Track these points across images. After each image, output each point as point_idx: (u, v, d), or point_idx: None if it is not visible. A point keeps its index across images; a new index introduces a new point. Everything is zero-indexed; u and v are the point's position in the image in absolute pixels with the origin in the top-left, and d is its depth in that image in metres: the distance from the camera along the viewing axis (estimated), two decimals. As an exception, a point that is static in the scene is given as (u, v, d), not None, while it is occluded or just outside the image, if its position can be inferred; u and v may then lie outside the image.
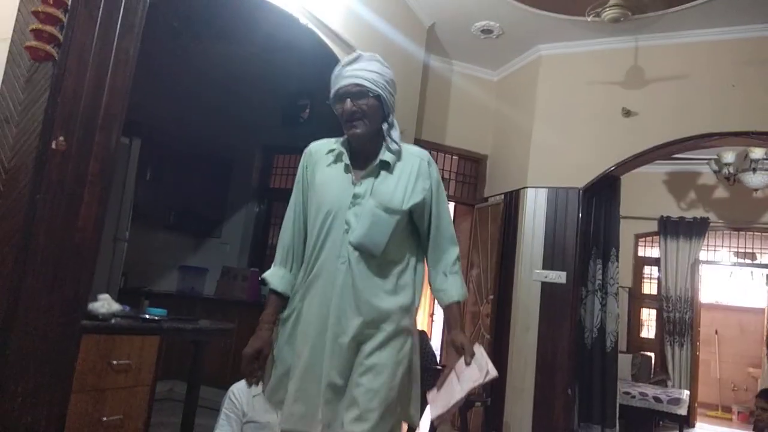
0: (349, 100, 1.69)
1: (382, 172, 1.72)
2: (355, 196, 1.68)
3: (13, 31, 2.11)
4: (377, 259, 1.67)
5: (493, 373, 1.58)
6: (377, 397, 1.58)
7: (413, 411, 1.75)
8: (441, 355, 5.83)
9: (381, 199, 1.68)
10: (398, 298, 1.69)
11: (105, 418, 2.38)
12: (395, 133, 1.76)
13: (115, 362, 2.41)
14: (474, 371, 1.61)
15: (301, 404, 1.62)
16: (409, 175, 1.74)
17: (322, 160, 1.77)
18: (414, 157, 1.78)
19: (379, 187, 1.70)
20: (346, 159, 1.73)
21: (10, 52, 2.10)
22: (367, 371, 1.60)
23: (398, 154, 1.75)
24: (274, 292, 1.75)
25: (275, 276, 1.76)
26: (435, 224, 1.80)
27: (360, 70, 1.71)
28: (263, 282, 1.79)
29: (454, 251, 1.84)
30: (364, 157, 1.74)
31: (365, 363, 1.61)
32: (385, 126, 1.76)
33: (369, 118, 1.70)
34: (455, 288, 1.79)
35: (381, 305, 1.66)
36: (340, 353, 1.62)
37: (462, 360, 1.67)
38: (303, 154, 1.83)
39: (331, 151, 1.76)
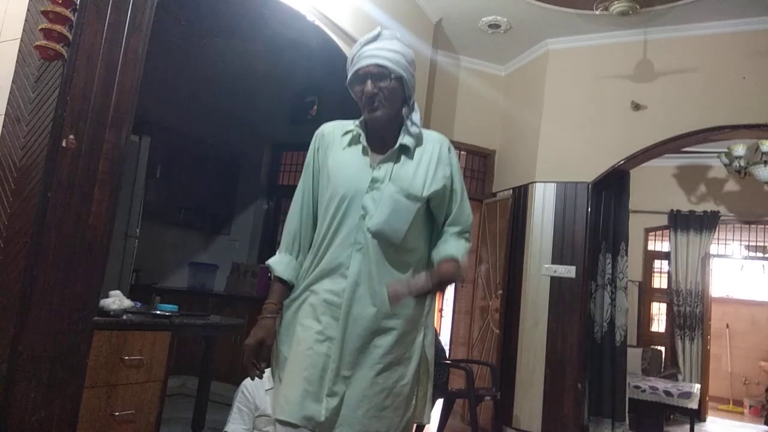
0: (369, 81, 1.60)
1: (402, 157, 1.63)
2: (374, 180, 1.59)
3: (23, 30, 2.14)
4: (395, 248, 1.59)
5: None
6: (392, 395, 1.53)
7: (425, 407, 1.66)
8: (450, 351, 5.84)
9: (402, 185, 1.59)
10: (419, 298, 1.60)
11: (117, 413, 2.41)
12: (416, 116, 1.67)
13: (126, 358, 2.44)
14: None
15: (299, 393, 1.50)
16: (429, 161, 1.65)
17: (336, 142, 1.68)
18: (434, 142, 1.69)
19: (399, 172, 1.61)
20: (363, 141, 1.65)
21: (20, 51, 2.12)
22: (382, 369, 1.53)
23: (418, 139, 1.66)
24: (278, 279, 1.66)
25: (280, 263, 1.67)
26: (456, 214, 1.70)
27: (381, 50, 1.61)
28: (268, 269, 1.71)
29: (466, 243, 1.72)
30: (382, 140, 1.65)
31: (379, 360, 1.53)
32: (405, 109, 1.67)
33: (390, 100, 1.61)
34: (455, 247, 1.65)
35: (404, 305, 1.57)
36: (351, 344, 1.53)
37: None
38: (314, 136, 1.73)
39: (348, 132, 1.67)
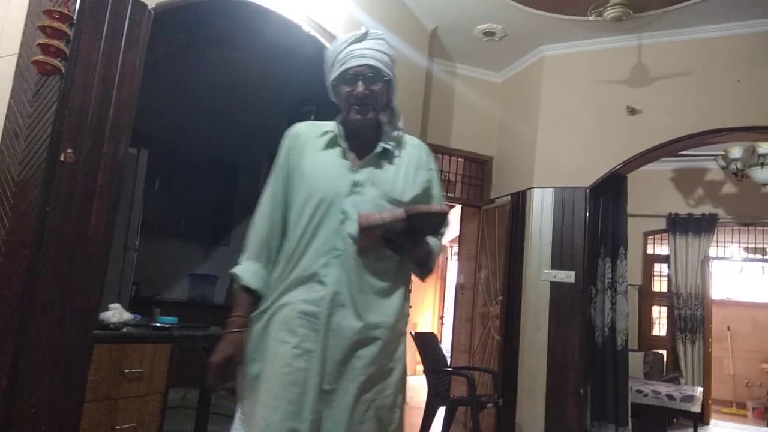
0: (361, 82, 1.54)
1: (382, 161, 1.58)
2: (355, 184, 1.52)
3: (21, 46, 2.15)
4: (374, 255, 1.51)
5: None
6: (373, 407, 1.46)
7: (400, 417, 1.58)
8: (451, 358, 5.82)
9: (383, 189, 1.54)
10: (394, 299, 1.55)
11: (118, 427, 2.40)
12: (398, 120, 1.64)
13: (127, 371, 2.44)
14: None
15: (281, 414, 1.37)
16: (408, 166, 1.61)
17: (312, 143, 1.58)
18: (413, 146, 1.66)
19: (380, 177, 1.55)
20: (343, 143, 1.58)
21: (17, 66, 2.13)
22: (365, 381, 1.45)
23: (399, 143, 1.62)
24: (246, 289, 1.53)
25: (248, 271, 1.54)
26: None
27: (371, 50, 1.57)
28: (233, 279, 1.56)
29: (440, 239, 1.67)
30: (361, 143, 1.59)
31: (362, 371, 1.45)
32: (387, 111, 1.63)
33: (379, 102, 1.58)
34: (431, 240, 1.60)
35: (378, 306, 1.50)
36: (332, 357, 1.43)
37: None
38: (287, 136, 1.62)
39: (325, 133, 1.59)
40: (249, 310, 1.51)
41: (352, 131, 1.60)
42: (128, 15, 2.36)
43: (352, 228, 1.46)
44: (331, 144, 1.58)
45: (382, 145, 1.58)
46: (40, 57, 2.11)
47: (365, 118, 1.56)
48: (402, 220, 1.43)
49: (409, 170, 1.61)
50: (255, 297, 1.53)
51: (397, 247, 1.50)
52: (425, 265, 1.63)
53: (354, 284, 1.47)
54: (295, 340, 1.43)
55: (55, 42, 2.14)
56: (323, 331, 1.43)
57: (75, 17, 2.19)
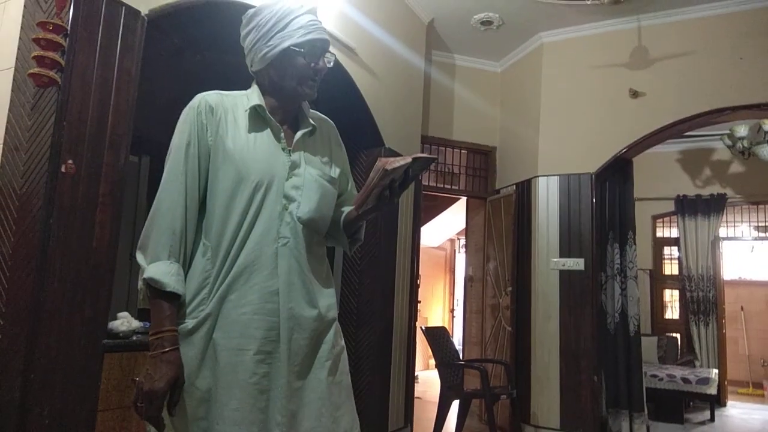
0: (324, 59, 1.44)
1: (308, 138, 1.47)
2: (293, 165, 1.39)
3: (16, 59, 2.15)
4: (316, 239, 1.44)
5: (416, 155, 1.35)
6: (343, 388, 1.42)
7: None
8: (463, 351, 5.82)
9: (318, 167, 1.44)
10: (330, 280, 1.49)
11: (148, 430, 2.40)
12: None
13: (138, 379, 2.44)
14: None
15: (256, 427, 1.27)
16: (329, 142, 1.54)
17: (229, 118, 1.39)
18: (326, 122, 1.57)
19: (311, 155, 1.45)
20: (273, 122, 1.42)
21: (14, 80, 2.13)
22: (331, 365, 1.39)
23: (315, 118, 1.52)
24: (166, 296, 1.27)
25: (168, 274, 1.27)
26: (350, 193, 1.60)
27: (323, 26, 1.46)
28: (147, 285, 1.28)
29: None
30: (288, 120, 1.47)
31: (327, 355, 1.38)
32: None
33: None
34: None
35: (325, 293, 1.43)
36: (298, 352, 1.33)
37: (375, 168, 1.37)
38: (192, 109, 1.39)
39: (253, 109, 1.40)
40: (175, 319, 1.28)
41: (283, 107, 1.45)
42: (122, 23, 2.35)
43: (301, 211, 1.37)
44: (258, 120, 1.41)
45: (311, 122, 1.48)
46: (36, 69, 2.11)
47: (312, 95, 1.44)
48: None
49: (331, 147, 1.55)
50: (177, 304, 1.29)
51: (385, 200, 1.40)
52: (359, 232, 1.59)
53: (305, 272, 1.37)
54: (255, 345, 1.29)
55: (50, 54, 2.13)
56: (286, 326, 1.31)
57: (69, 28, 2.19)
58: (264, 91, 1.45)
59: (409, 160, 1.31)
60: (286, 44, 1.38)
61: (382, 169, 1.32)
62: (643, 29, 4.66)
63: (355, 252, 4.10)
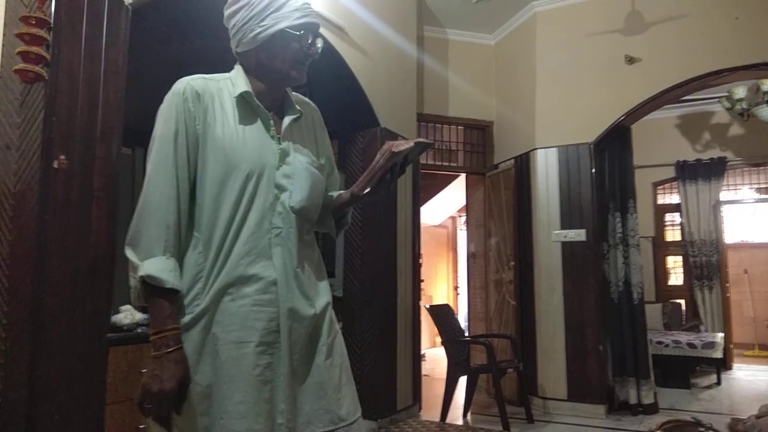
0: (320, 40, 1.42)
1: (295, 124, 1.44)
2: (283, 153, 1.36)
3: (1, 56, 2.11)
4: (307, 228, 1.42)
5: (420, 139, 1.36)
6: (344, 370, 1.41)
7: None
8: (468, 327, 5.84)
9: (306, 154, 1.42)
10: (323, 270, 1.47)
11: (142, 426, 2.42)
12: None
13: (145, 370, 2.45)
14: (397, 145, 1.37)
15: (262, 418, 1.25)
16: (315, 127, 1.52)
17: (216, 105, 1.34)
18: (309, 106, 1.53)
19: (299, 142, 1.42)
20: (262, 109, 1.37)
21: (0, 77, 2.10)
22: (328, 349, 1.38)
23: (298, 102, 1.48)
24: (165, 293, 1.23)
25: (165, 271, 1.23)
26: (334, 178, 1.59)
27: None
28: (143, 282, 1.23)
29: None
30: (275, 105, 1.43)
31: (325, 341, 1.38)
32: None
33: None
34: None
35: (319, 281, 1.42)
36: (299, 342, 1.32)
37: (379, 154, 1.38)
38: (177, 94, 1.32)
39: (240, 96, 1.35)
40: (176, 316, 1.25)
41: (271, 92, 1.41)
42: (106, 14, 2.31)
43: (294, 200, 1.34)
44: (246, 108, 1.36)
45: (298, 108, 1.44)
46: (22, 65, 2.08)
47: (303, 80, 1.40)
48: (382, 165, 1.36)
49: (316, 132, 1.52)
50: (176, 300, 1.26)
51: (385, 183, 1.40)
52: (346, 216, 1.59)
53: (298, 260, 1.34)
54: (256, 337, 1.27)
55: (34, 49, 2.10)
56: (285, 317, 1.29)
57: (52, 21, 2.15)
58: (249, 74, 1.40)
59: (411, 143, 1.33)
60: (281, 25, 1.33)
61: (389, 151, 1.33)
62: (636, -6, 4.59)
63: (357, 234, 4.09)
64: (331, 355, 1.38)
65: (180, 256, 1.29)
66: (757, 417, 2.92)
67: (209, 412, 1.25)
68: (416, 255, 4.61)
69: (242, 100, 1.36)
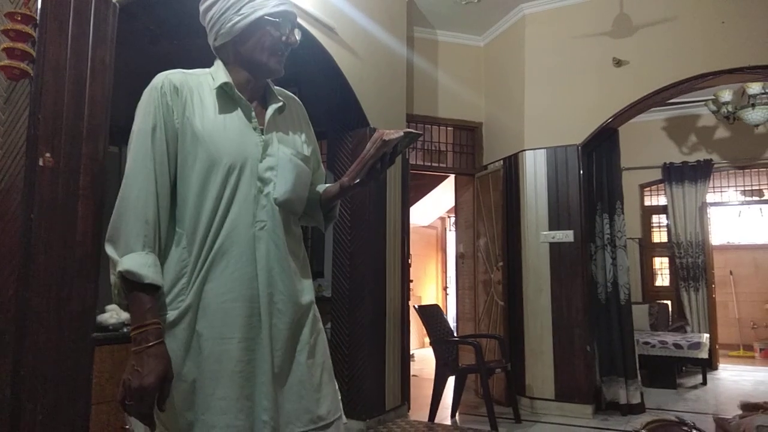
0: (298, 30, 1.41)
1: (278, 116, 1.42)
2: (266, 145, 1.35)
3: (-14, 52, 2.09)
4: (293, 221, 1.40)
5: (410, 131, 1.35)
6: (325, 369, 1.40)
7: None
8: (457, 327, 5.85)
9: (291, 146, 1.40)
10: (308, 266, 1.45)
11: (127, 426, 2.40)
12: None
13: (124, 376, 2.43)
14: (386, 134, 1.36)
15: (244, 413, 1.25)
16: (298, 119, 1.50)
17: (195, 98, 1.32)
18: (293, 99, 1.52)
19: (282, 133, 1.41)
20: (243, 100, 1.36)
21: (-15, 74, 2.08)
22: (310, 348, 1.37)
23: (281, 95, 1.47)
24: (146, 288, 1.20)
25: (145, 266, 1.20)
26: (320, 173, 1.58)
27: None
28: (123, 278, 1.20)
29: None
30: (256, 97, 1.42)
31: (308, 339, 1.37)
32: None
33: None
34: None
35: (303, 279, 1.40)
36: (280, 338, 1.31)
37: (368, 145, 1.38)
38: (155, 88, 1.30)
39: (220, 87, 1.34)
40: (157, 311, 1.22)
41: (252, 83, 1.39)
42: (93, 11, 2.30)
43: (278, 192, 1.32)
44: (227, 99, 1.35)
45: (281, 99, 1.43)
46: (7, 62, 2.06)
47: (281, 71, 1.40)
48: (372, 155, 1.35)
49: (300, 124, 1.50)
50: (156, 295, 1.23)
51: (375, 173, 1.40)
52: (335, 209, 1.59)
53: (283, 255, 1.33)
54: (240, 333, 1.26)
55: (20, 45, 2.08)
56: (267, 312, 1.28)
57: (38, 18, 2.13)
58: (229, 67, 1.38)
59: (401, 133, 1.33)
60: (259, 13, 1.32)
61: (380, 139, 1.32)
62: (624, -3, 4.63)
63: (346, 234, 4.09)
64: (313, 355, 1.37)
65: (162, 252, 1.28)
66: (741, 417, 2.96)
67: (193, 408, 1.24)
68: (405, 255, 4.62)
69: (222, 92, 1.34)
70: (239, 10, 1.32)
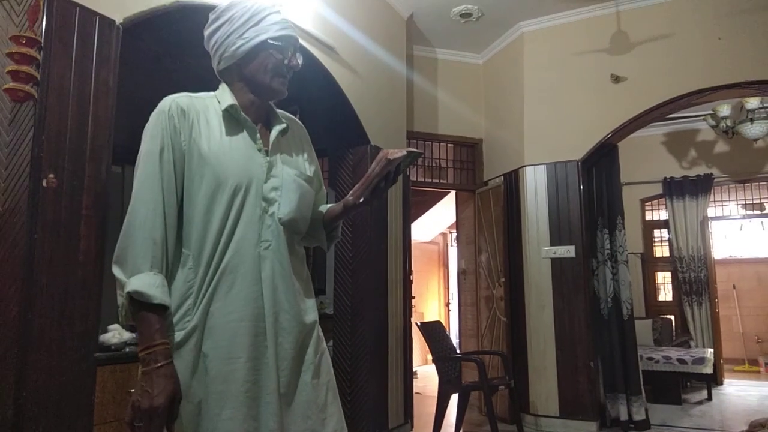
0: (300, 54, 1.45)
1: (282, 137, 1.46)
2: (271, 166, 1.37)
3: (-9, 75, 2.12)
4: (297, 241, 1.42)
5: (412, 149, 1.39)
6: (330, 389, 1.42)
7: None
8: (459, 344, 5.83)
9: (295, 167, 1.43)
10: (311, 286, 1.47)
11: (130, 447, 2.39)
12: None
13: (133, 390, 2.42)
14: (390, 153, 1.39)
15: None
16: (301, 141, 1.53)
17: (201, 120, 1.35)
18: (295, 122, 1.56)
19: (286, 154, 1.44)
20: (249, 122, 1.39)
21: (-10, 96, 2.10)
22: (315, 368, 1.38)
23: (284, 117, 1.51)
24: (154, 308, 1.22)
25: (153, 286, 1.21)
26: (322, 194, 1.61)
27: None
28: (131, 299, 1.21)
29: None
30: (260, 119, 1.45)
31: (312, 359, 1.38)
32: None
33: None
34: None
35: (307, 299, 1.42)
36: (285, 358, 1.31)
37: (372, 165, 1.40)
38: (163, 112, 1.33)
39: (226, 110, 1.37)
40: (165, 331, 1.23)
41: (256, 105, 1.43)
42: (96, 33, 2.33)
43: (282, 212, 1.35)
44: (232, 122, 1.38)
45: (285, 121, 1.47)
46: (11, 84, 2.08)
47: (284, 93, 1.44)
48: (377, 173, 1.38)
49: (303, 146, 1.53)
50: (164, 316, 1.24)
51: (379, 191, 1.43)
52: (337, 229, 1.61)
53: (287, 275, 1.35)
54: (246, 353, 1.27)
55: (24, 68, 2.11)
56: (272, 332, 1.30)
57: (42, 41, 2.16)
58: (234, 90, 1.41)
59: (404, 152, 1.36)
60: (263, 37, 1.36)
61: (384, 158, 1.36)
62: (621, 14, 4.68)
63: (347, 251, 4.09)
64: (318, 375, 1.38)
65: (169, 273, 1.28)
66: (748, 432, 2.94)
67: (200, 430, 1.24)
68: (407, 271, 4.62)
69: (228, 114, 1.38)
70: (243, 34, 1.36)
